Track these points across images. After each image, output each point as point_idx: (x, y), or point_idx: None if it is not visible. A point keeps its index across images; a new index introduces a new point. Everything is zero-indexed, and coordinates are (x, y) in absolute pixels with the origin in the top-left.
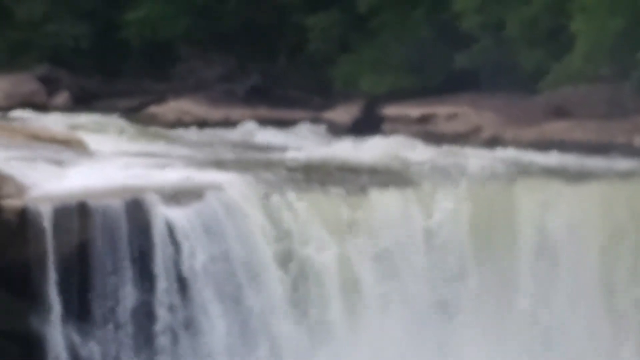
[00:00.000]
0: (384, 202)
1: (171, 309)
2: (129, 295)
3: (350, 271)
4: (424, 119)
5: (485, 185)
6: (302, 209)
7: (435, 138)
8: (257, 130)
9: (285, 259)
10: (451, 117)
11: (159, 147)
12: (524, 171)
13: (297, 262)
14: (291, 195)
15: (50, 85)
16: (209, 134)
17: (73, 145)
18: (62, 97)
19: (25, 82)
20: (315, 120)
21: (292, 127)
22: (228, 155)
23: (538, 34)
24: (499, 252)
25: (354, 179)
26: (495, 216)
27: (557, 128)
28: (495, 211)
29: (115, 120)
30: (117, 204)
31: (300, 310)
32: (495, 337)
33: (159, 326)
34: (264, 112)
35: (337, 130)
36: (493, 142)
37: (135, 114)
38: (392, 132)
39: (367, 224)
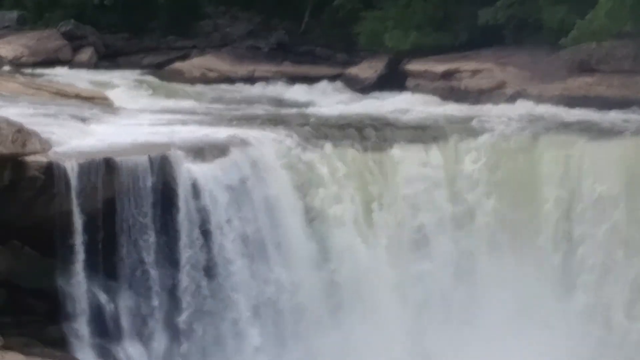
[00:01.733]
0: (410, 156)
1: (195, 264)
2: (153, 252)
3: (372, 224)
4: (447, 75)
5: (509, 140)
6: (327, 164)
7: (459, 94)
8: (282, 86)
9: (310, 214)
10: (475, 73)
11: (183, 103)
12: (548, 127)
13: (322, 217)
14: (316, 151)
15: (76, 42)
16: (233, 90)
17: (98, 102)
18: (87, 54)
19: (50, 39)
20: (340, 77)
21: (316, 84)
22: (252, 111)
23: None
24: (521, 206)
25: (380, 134)
26: (518, 171)
27: (580, 84)
28: (519, 166)
29: (140, 77)
30: (142, 160)
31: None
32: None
33: (182, 282)
34: (289, 68)
35: (361, 87)
36: (517, 98)
37: (160, 71)
38: (416, 88)
39: (392, 178)
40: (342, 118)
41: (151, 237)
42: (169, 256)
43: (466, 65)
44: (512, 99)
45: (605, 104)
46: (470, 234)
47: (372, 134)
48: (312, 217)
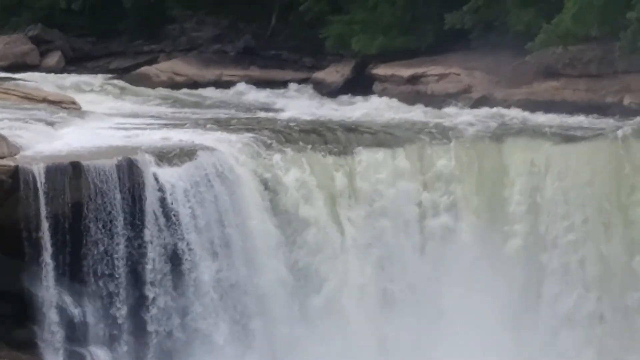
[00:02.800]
0: (374, 161)
1: (162, 269)
2: (121, 255)
3: (340, 230)
4: (414, 79)
5: (474, 145)
6: (293, 168)
7: (425, 98)
8: (249, 90)
9: (276, 219)
10: (441, 77)
11: (151, 107)
12: (514, 131)
13: (288, 222)
14: (282, 155)
15: (43, 46)
16: (200, 94)
17: (66, 106)
18: (54, 58)
19: (17, 43)
20: (307, 81)
21: (283, 88)
22: (219, 115)
23: None
24: (488, 211)
25: (345, 139)
26: (484, 175)
27: (546, 88)
28: (485, 171)
29: (107, 81)
30: (109, 164)
31: (293, 273)
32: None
33: (149, 287)
34: (256, 72)
35: (328, 91)
36: (483, 102)
37: (127, 75)
38: (383, 92)
39: (357, 183)
40: (309, 122)
41: (118, 241)
42: (136, 260)
43: (432, 69)
44: (478, 103)
45: (571, 108)
46: (436, 238)
47: (338, 138)
48: (279, 220)
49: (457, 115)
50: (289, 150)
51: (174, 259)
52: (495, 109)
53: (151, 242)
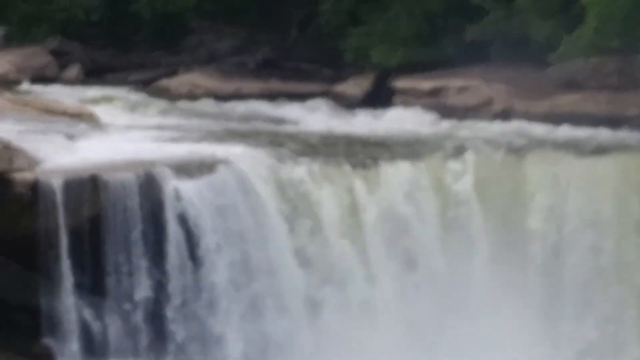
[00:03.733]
0: (394, 174)
1: (183, 282)
2: (140, 269)
3: (361, 242)
4: (435, 92)
5: (495, 158)
6: (312, 182)
7: (446, 111)
8: (268, 103)
9: (297, 232)
10: (462, 89)
11: (170, 120)
12: (535, 144)
13: (310, 234)
14: (301, 168)
15: (62, 58)
16: (220, 106)
17: (85, 119)
18: (73, 70)
19: (36, 56)
20: (326, 93)
21: (303, 100)
22: (239, 128)
23: (549, 6)
24: (509, 225)
25: (365, 151)
26: (505, 189)
27: (568, 101)
28: (506, 184)
29: (126, 93)
30: (128, 177)
31: (312, 285)
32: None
33: (169, 300)
34: (275, 85)
35: (348, 103)
36: (504, 115)
37: (146, 87)
38: (403, 105)
39: (378, 196)
40: (329, 135)
41: (137, 254)
42: (156, 273)
43: (453, 82)
44: (499, 115)
45: (592, 121)
46: (458, 251)
47: (358, 151)
48: (300, 233)
49: (478, 128)
50: (309, 163)
51: (194, 273)
52: (516, 122)
53: (171, 255)
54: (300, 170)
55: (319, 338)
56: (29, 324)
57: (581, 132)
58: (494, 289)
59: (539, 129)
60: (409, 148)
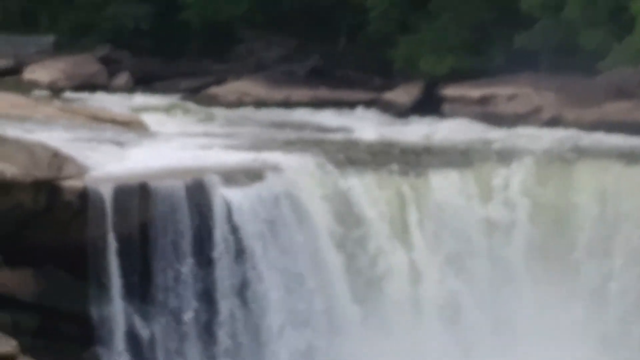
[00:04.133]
0: (443, 182)
1: (230, 289)
2: (189, 276)
3: (410, 251)
4: (484, 100)
5: (545, 166)
6: (364, 189)
7: (495, 119)
8: (318, 111)
9: (344, 240)
10: (511, 97)
11: (219, 128)
12: (585, 152)
13: (356, 243)
14: (351, 176)
15: (111, 66)
16: (269, 114)
17: (134, 126)
18: (122, 78)
19: (86, 64)
20: (375, 102)
21: (352, 108)
22: (288, 135)
23: (598, 14)
24: (556, 232)
25: (415, 159)
26: (553, 197)
27: (617, 109)
28: (555, 192)
29: (175, 101)
30: (177, 185)
31: (358, 289)
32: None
33: (219, 307)
34: (324, 93)
35: (397, 111)
36: (553, 123)
37: (195, 95)
38: (452, 113)
39: (427, 204)
40: (378, 143)
41: (186, 262)
42: (205, 281)
43: (502, 89)
44: (548, 123)
45: None
46: (506, 258)
47: (408, 159)
48: (349, 241)
49: (527, 136)
50: (358, 171)
51: (242, 279)
52: (565, 130)
53: (219, 263)
54: (349, 178)
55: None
56: (78, 332)
57: (631, 141)
58: (539, 294)
59: (588, 137)
60: (458, 156)
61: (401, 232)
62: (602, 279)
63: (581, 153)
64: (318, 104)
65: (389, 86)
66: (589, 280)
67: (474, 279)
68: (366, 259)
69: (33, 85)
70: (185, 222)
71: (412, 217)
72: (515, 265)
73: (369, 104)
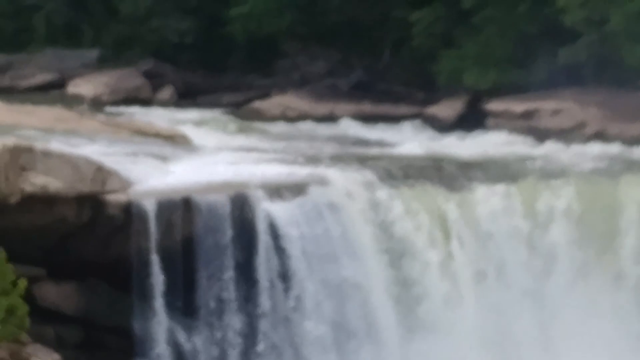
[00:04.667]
0: (488, 196)
1: (274, 303)
2: (232, 291)
3: (453, 267)
4: (527, 115)
5: (590, 181)
6: (406, 204)
7: (539, 133)
8: (361, 125)
9: (388, 254)
10: (555, 112)
11: (263, 142)
12: (629, 167)
13: (401, 257)
14: (395, 191)
15: (155, 80)
16: (313, 128)
17: (177, 141)
18: (166, 92)
19: (130, 77)
20: (419, 116)
21: (396, 123)
22: (332, 150)
23: None
24: (603, 247)
25: (458, 173)
26: (599, 212)
27: None
28: (600, 207)
29: (219, 115)
30: (221, 200)
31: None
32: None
33: (261, 321)
34: (368, 107)
35: (441, 126)
36: (598, 137)
37: (239, 109)
38: (496, 127)
39: (471, 218)
40: (422, 157)
41: (230, 276)
42: (248, 295)
43: (546, 104)
44: (592, 138)
45: None
46: (550, 273)
47: (452, 174)
48: (392, 256)
49: (571, 151)
50: (402, 185)
51: (285, 294)
52: (609, 145)
53: (262, 277)
54: (392, 192)
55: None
56: (121, 346)
57: None
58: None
59: (633, 152)
60: (502, 170)
61: (444, 246)
62: None
63: (625, 167)
64: (362, 118)
65: (432, 100)
66: (635, 293)
67: (518, 295)
68: (409, 272)
69: (77, 99)
70: (228, 236)
71: (456, 231)
72: (559, 279)
73: (412, 118)
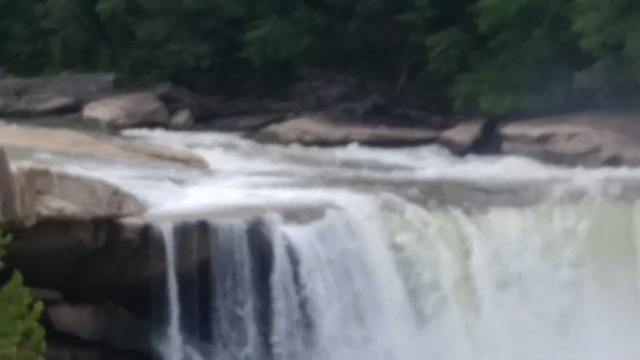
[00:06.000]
0: (504, 221)
1: (291, 329)
2: (248, 314)
3: (471, 291)
4: (543, 139)
5: (605, 205)
6: (423, 228)
7: (555, 158)
8: (377, 149)
9: (404, 277)
10: (571, 136)
11: (279, 166)
12: None
13: (418, 282)
14: (412, 215)
15: (171, 104)
16: (329, 152)
17: (194, 164)
18: (183, 116)
19: (146, 101)
20: (435, 140)
21: (412, 147)
22: (348, 174)
23: None
24: (617, 272)
25: (475, 198)
26: (614, 237)
27: None
28: (614, 232)
29: (235, 139)
30: (237, 223)
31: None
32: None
33: (278, 346)
34: (384, 131)
35: (457, 150)
36: (613, 162)
37: (255, 133)
38: (512, 151)
39: (487, 242)
40: (438, 182)
41: (246, 300)
42: (264, 319)
43: (562, 128)
44: (608, 162)
45: None
46: (567, 296)
47: (468, 197)
48: (407, 281)
49: (587, 175)
50: (419, 210)
51: (303, 319)
52: (625, 169)
53: (279, 301)
54: (409, 216)
55: None
56: None
57: None
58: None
59: None
60: (518, 194)
61: (461, 272)
62: None
63: None
64: (378, 143)
65: (448, 124)
66: None
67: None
68: (427, 298)
69: (93, 122)
70: (245, 260)
71: (472, 255)
72: (578, 303)
73: (428, 142)
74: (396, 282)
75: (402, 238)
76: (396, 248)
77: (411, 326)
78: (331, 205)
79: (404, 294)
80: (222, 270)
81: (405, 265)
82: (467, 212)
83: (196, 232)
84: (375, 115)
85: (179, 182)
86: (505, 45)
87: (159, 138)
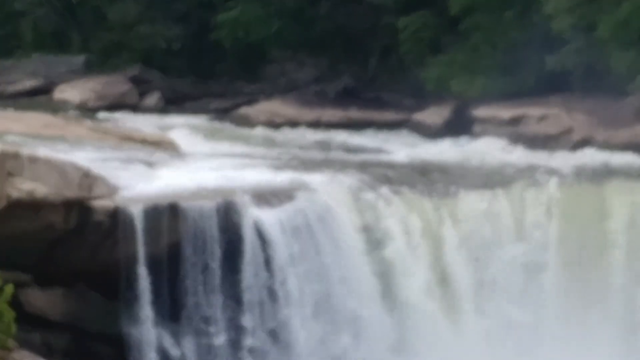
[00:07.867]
0: (474, 203)
1: (260, 310)
2: (218, 296)
3: (441, 271)
4: (514, 121)
5: (575, 187)
6: (393, 209)
7: (526, 140)
8: (348, 131)
9: (375, 260)
10: (542, 118)
11: (249, 148)
12: (615, 173)
13: (388, 263)
14: (382, 197)
15: (142, 86)
16: (300, 135)
17: (164, 147)
18: (154, 98)
19: (117, 83)
20: (407, 122)
21: (383, 129)
22: (319, 156)
23: (630, 35)
24: (588, 253)
25: (445, 179)
26: (584, 219)
27: None
28: (585, 214)
29: (206, 121)
30: (208, 206)
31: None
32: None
33: (247, 327)
34: (355, 113)
35: (428, 132)
36: (584, 144)
37: (226, 115)
38: (483, 133)
39: (457, 225)
40: (409, 164)
41: (216, 282)
42: (234, 301)
43: (533, 110)
44: (578, 145)
45: None
46: (536, 279)
47: (438, 180)
48: (379, 264)
49: (558, 157)
50: (389, 192)
51: (271, 300)
52: (596, 151)
53: (249, 283)
54: (379, 198)
55: None
56: (109, 352)
57: None
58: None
59: (619, 159)
60: (489, 176)
61: (432, 252)
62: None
63: (612, 174)
64: (349, 125)
65: (420, 107)
66: (622, 297)
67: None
68: (397, 278)
69: (63, 104)
70: (215, 242)
71: (443, 237)
72: (547, 285)
73: (400, 124)
74: (366, 262)
75: (372, 219)
76: (366, 229)
77: (380, 307)
78: (302, 188)
79: (374, 274)
80: (192, 253)
81: (375, 246)
82: (438, 194)
83: (166, 215)
84: (347, 98)
85: (149, 164)
86: (477, 28)
87: (130, 120)
